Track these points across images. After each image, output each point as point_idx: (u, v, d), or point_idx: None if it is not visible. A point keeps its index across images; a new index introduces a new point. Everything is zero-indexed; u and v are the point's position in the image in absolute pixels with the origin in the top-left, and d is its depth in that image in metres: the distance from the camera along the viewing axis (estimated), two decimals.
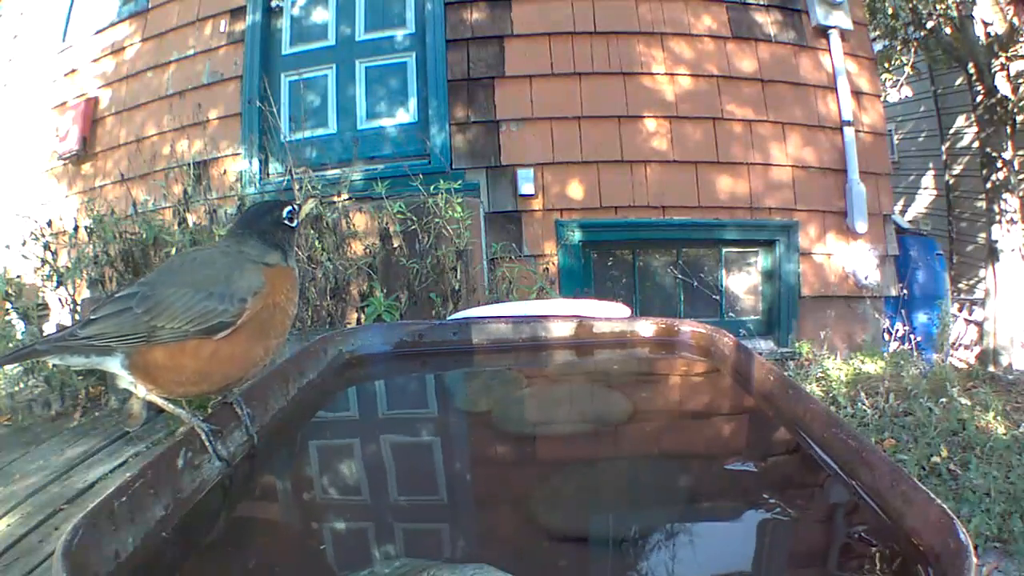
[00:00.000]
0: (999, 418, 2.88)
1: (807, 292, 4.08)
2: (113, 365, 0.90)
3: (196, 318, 0.87)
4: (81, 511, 0.64)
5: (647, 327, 1.41)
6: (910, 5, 6.38)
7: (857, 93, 4.20)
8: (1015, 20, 5.66)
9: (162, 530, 0.72)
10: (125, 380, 0.91)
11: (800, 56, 4.19)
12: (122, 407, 3.48)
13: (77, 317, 3.89)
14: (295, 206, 1.04)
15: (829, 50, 4.16)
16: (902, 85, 8.66)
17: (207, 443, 0.84)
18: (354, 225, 3.71)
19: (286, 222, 1.00)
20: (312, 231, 3.52)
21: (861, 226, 4.05)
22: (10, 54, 5.66)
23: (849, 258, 4.11)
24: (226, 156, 4.31)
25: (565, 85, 4.02)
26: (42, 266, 3.81)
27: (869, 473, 0.76)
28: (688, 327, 1.37)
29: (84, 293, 3.96)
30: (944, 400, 2.95)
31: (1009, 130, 6.01)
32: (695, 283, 4.13)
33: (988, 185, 6.16)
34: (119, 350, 0.88)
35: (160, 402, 0.91)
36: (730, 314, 4.20)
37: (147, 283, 0.93)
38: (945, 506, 0.63)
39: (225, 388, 0.93)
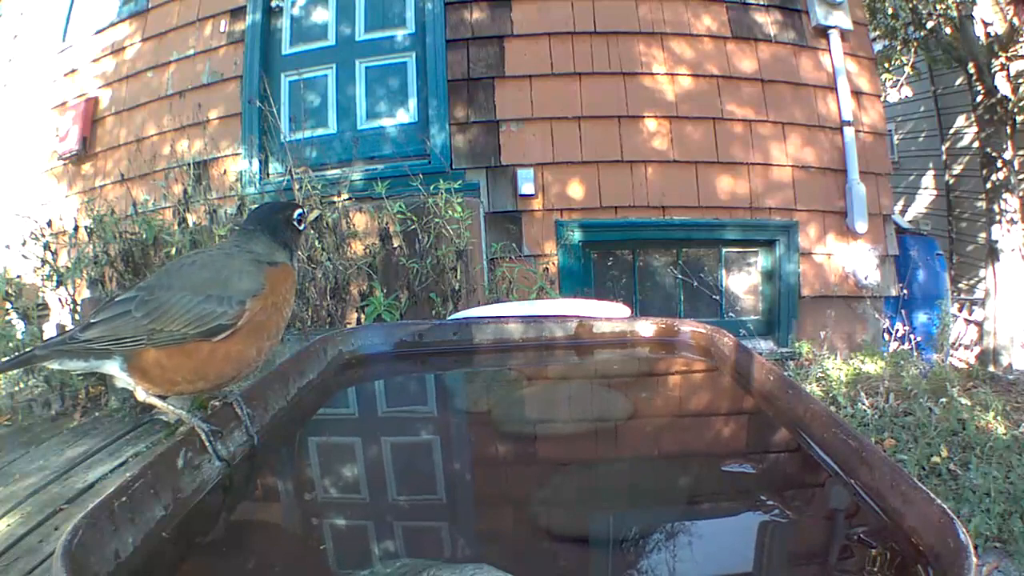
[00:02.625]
0: (999, 418, 2.88)
1: (807, 292, 4.08)
2: (112, 368, 0.91)
3: (194, 321, 0.87)
4: (81, 511, 0.64)
5: (647, 327, 1.41)
6: (910, 5, 6.39)
7: (857, 93, 4.20)
8: (1015, 20, 5.66)
9: (162, 530, 0.72)
10: (124, 382, 0.91)
11: (800, 56, 4.19)
12: (122, 407, 3.48)
13: (77, 317, 3.89)
14: (303, 210, 1.08)
15: (829, 50, 4.17)
16: (902, 85, 8.66)
17: (207, 443, 0.84)
18: (354, 225, 3.71)
19: (295, 223, 1.04)
20: (312, 231, 3.52)
21: (861, 226, 4.05)
22: (10, 54, 5.66)
23: (849, 258, 4.11)
24: (226, 156, 4.31)
25: (565, 85, 4.02)
26: (42, 266, 3.81)
27: (869, 473, 0.76)
28: (688, 327, 1.37)
29: (84, 293, 3.96)
30: (944, 400, 2.95)
31: (1009, 130, 6.01)
32: (695, 283, 4.13)
33: (988, 185, 6.16)
34: (117, 353, 0.89)
35: (160, 404, 0.91)
36: (730, 314, 4.20)
37: (146, 287, 0.93)
38: (945, 506, 0.63)
39: (219, 386, 0.94)
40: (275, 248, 1.00)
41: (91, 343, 0.89)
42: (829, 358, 3.58)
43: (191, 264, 0.99)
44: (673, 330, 1.38)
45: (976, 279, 7.54)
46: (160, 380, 0.90)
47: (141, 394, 0.92)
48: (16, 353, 3.70)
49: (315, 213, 1.20)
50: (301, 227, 1.06)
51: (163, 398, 0.92)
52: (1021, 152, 6.16)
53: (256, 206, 1.13)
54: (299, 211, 1.06)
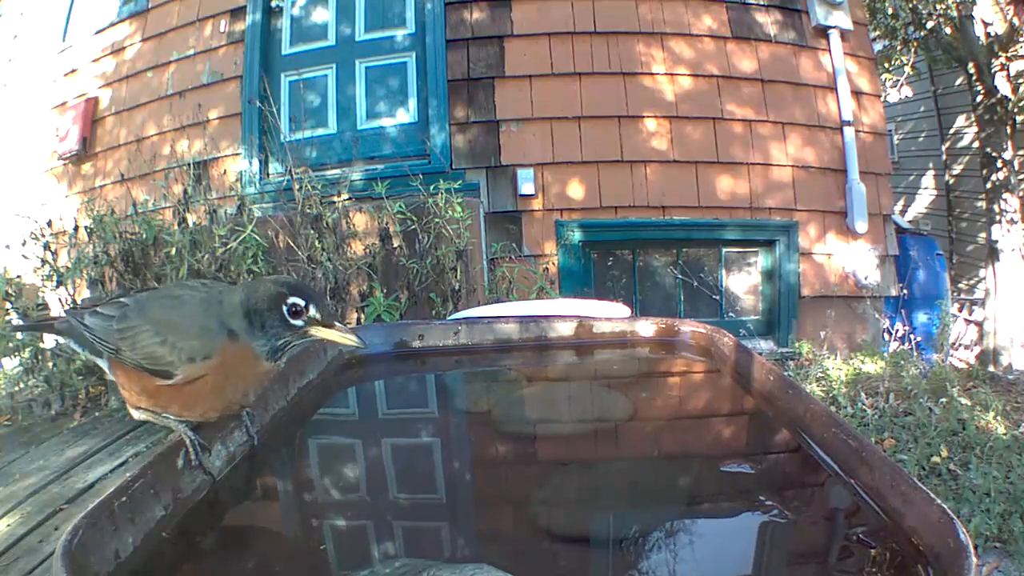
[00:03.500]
0: (999, 418, 2.88)
1: (807, 292, 4.08)
2: (104, 364, 0.93)
3: (146, 358, 0.85)
4: (81, 511, 0.64)
5: (647, 327, 1.41)
6: (910, 5, 6.39)
7: (857, 93, 4.20)
8: (1015, 20, 5.66)
9: (162, 530, 0.72)
10: (110, 380, 0.93)
11: (800, 56, 4.19)
12: (122, 406, 3.48)
13: None
14: (310, 309, 0.84)
15: (829, 50, 4.17)
16: (902, 85, 8.66)
17: (192, 455, 0.82)
18: (354, 225, 3.71)
19: (284, 310, 0.83)
20: (312, 231, 3.52)
21: (861, 226, 4.05)
22: (10, 54, 5.66)
23: (849, 258, 4.11)
24: (226, 156, 4.31)
25: (565, 85, 4.02)
26: (42, 266, 3.81)
27: (869, 473, 0.76)
28: (688, 327, 1.37)
29: (84, 293, 3.95)
30: (944, 400, 2.95)
31: (1009, 130, 6.01)
32: (695, 283, 4.13)
33: (988, 185, 6.16)
34: (104, 352, 0.90)
35: (150, 417, 0.91)
36: (730, 314, 4.20)
37: (133, 303, 0.91)
38: (945, 506, 0.63)
39: (175, 414, 0.89)
40: (247, 326, 0.84)
41: (85, 330, 0.90)
42: (829, 358, 3.58)
43: (172, 299, 0.93)
44: (673, 330, 1.39)
45: (976, 279, 7.54)
46: (125, 388, 0.90)
47: (135, 413, 0.92)
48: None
49: (337, 336, 0.88)
50: (295, 322, 0.84)
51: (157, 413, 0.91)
52: (1021, 152, 6.17)
53: (260, 280, 0.90)
54: (295, 301, 0.84)
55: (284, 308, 0.83)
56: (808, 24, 4.19)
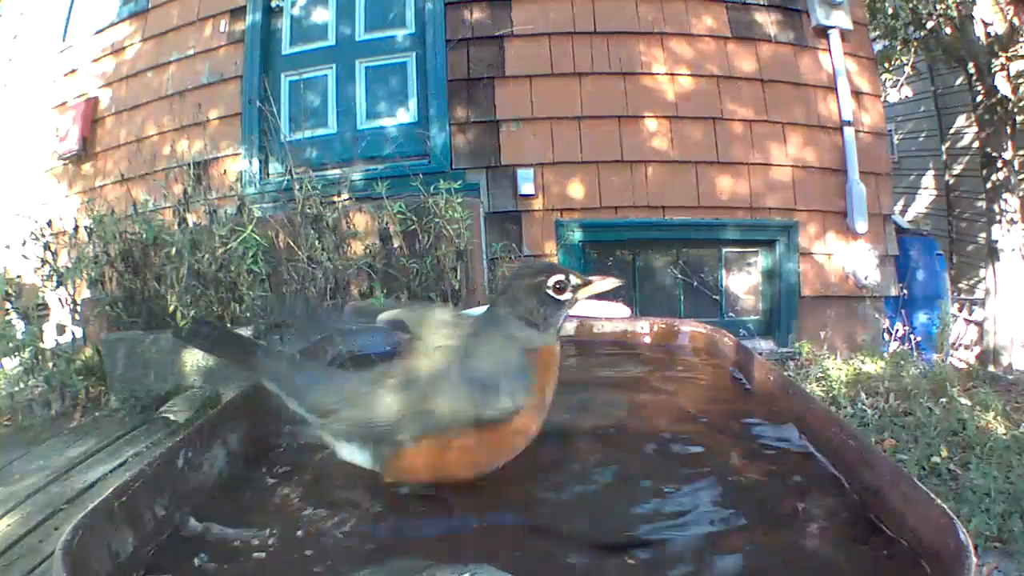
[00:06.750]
0: (999, 418, 2.88)
1: (807, 292, 4.08)
2: (368, 453, 0.85)
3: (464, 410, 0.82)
4: (81, 511, 0.64)
5: (647, 327, 1.41)
6: (910, 5, 6.39)
7: (857, 93, 4.20)
8: (1015, 20, 5.66)
9: (162, 530, 0.72)
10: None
11: (800, 56, 4.19)
12: (122, 406, 3.48)
13: (77, 317, 3.88)
14: (570, 278, 0.86)
15: (829, 50, 4.17)
16: (902, 85, 8.66)
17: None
18: (354, 225, 3.72)
19: (550, 293, 0.86)
20: (312, 231, 3.52)
21: (861, 226, 4.05)
22: (10, 54, 5.66)
23: (849, 258, 4.11)
24: (226, 156, 4.32)
25: (565, 85, 4.03)
26: (42, 266, 3.81)
27: (869, 473, 0.76)
28: (688, 327, 1.37)
29: (84, 293, 3.96)
30: (944, 400, 2.95)
31: (1009, 130, 6.01)
32: (695, 283, 4.13)
33: (988, 185, 6.17)
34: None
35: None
36: (730, 314, 4.20)
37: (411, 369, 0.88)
38: (945, 506, 0.63)
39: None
40: (529, 327, 0.86)
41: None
42: (829, 358, 3.59)
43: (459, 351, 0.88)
44: (673, 330, 1.38)
45: (976, 279, 7.55)
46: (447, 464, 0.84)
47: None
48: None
49: (584, 295, 0.90)
50: (563, 297, 0.86)
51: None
52: (1021, 152, 6.17)
53: (510, 278, 0.92)
54: (557, 279, 0.86)
55: (548, 291, 0.86)
56: (808, 24, 4.19)
